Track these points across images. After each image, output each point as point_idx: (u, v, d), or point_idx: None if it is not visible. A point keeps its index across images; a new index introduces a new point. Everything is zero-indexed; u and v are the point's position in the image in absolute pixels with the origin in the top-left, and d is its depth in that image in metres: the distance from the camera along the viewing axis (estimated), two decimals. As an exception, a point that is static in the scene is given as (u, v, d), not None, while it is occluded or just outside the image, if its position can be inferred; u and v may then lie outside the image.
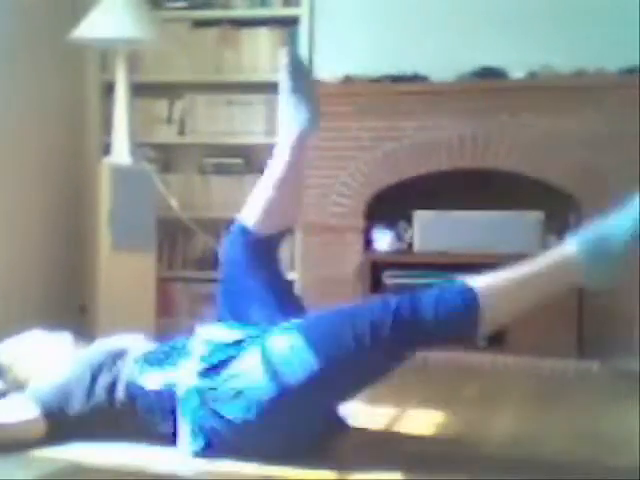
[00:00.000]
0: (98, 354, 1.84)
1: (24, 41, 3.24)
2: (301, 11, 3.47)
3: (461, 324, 1.63)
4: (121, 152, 3.24)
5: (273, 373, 1.61)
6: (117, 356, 1.82)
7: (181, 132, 3.62)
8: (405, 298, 1.68)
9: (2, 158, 3.07)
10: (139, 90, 3.44)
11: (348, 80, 3.29)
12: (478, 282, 1.65)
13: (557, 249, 1.66)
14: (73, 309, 3.51)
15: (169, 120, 3.63)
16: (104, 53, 3.60)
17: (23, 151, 3.23)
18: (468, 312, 1.62)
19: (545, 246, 3.10)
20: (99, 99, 3.63)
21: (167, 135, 3.62)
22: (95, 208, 3.20)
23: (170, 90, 3.61)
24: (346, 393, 1.74)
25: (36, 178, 3.33)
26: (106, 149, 3.37)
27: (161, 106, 3.63)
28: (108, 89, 3.48)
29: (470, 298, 1.62)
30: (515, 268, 1.69)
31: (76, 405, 1.75)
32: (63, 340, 1.98)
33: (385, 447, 1.92)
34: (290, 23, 3.49)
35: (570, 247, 1.63)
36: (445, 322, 1.63)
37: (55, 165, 3.45)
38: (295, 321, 1.71)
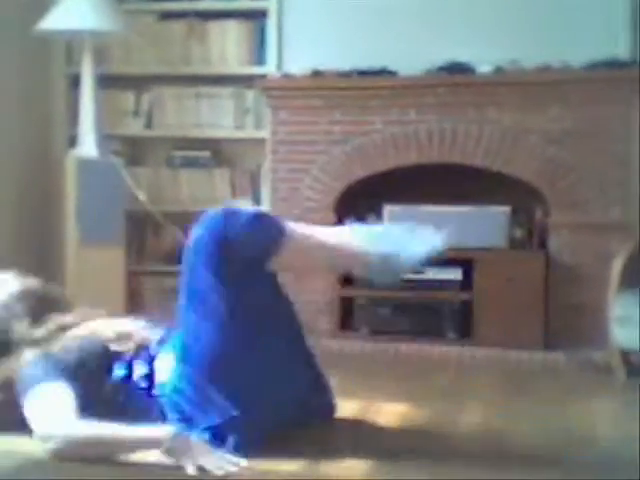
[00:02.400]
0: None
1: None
2: (269, 4, 3.45)
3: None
4: (88, 145, 3.21)
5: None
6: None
7: (148, 125, 3.59)
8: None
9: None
10: (106, 82, 3.40)
11: (317, 74, 3.29)
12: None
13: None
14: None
15: (136, 113, 3.59)
16: (70, 45, 3.55)
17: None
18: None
19: (512, 240, 3.16)
20: (65, 91, 3.58)
21: (134, 128, 3.59)
22: (62, 202, 3.16)
23: (137, 83, 3.58)
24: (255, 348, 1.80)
25: (2, 171, 3.27)
26: (73, 142, 3.33)
27: (128, 99, 3.59)
28: (74, 81, 3.43)
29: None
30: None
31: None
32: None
33: (353, 439, 1.94)
34: (258, 16, 3.48)
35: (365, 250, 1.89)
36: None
37: (21, 158, 3.39)
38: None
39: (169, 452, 1.67)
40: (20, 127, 3.40)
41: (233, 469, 1.65)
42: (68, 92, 3.56)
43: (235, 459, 1.68)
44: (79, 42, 3.30)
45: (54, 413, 1.74)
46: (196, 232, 1.85)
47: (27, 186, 3.43)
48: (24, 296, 2.01)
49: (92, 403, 1.78)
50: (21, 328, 1.95)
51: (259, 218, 1.83)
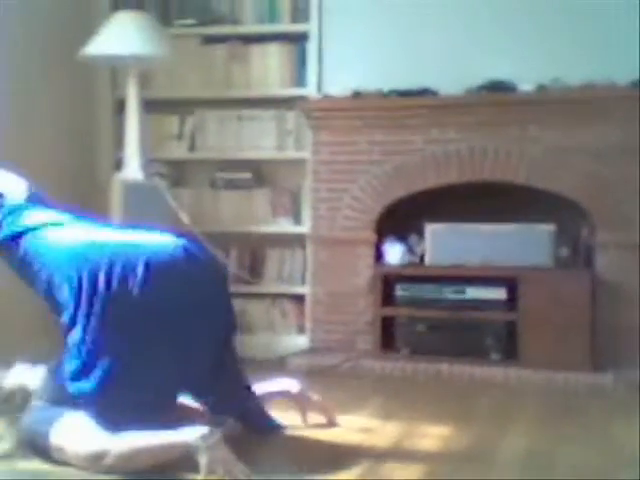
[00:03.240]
0: None
1: (38, 59, 3.27)
2: (310, 27, 3.49)
3: None
4: (133, 168, 3.26)
5: None
6: None
7: (191, 148, 3.65)
8: None
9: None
10: (150, 106, 3.47)
11: (357, 95, 3.31)
12: None
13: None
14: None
15: (180, 136, 3.65)
16: (115, 70, 3.63)
17: (36, 168, 3.25)
18: None
19: (557, 259, 3.10)
20: (111, 116, 3.66)
21: (178, 151, 3.65)
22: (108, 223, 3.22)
23: (181, 106, 3.64)
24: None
25: (49, 195, 3.34)
26: (118, 165, 3.39)
27: (172, 122, 3.66)
28: (119, 106, 3.51)
29: None
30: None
31: None
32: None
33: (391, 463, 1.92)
34: (299, 38, 3.52)
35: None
36: None
37: (68, 181, 3.47)
38: None
39: (199, 454, 1.68)
40: (67, 151, 3.48)
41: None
42: (113, 116, 3.64)
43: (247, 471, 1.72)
44: (124, 67, 3.37)
45: (94, 434, 1.77)
46: None
47: (73, 208, 3.50)
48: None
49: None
50: None
51: None
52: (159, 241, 2.01)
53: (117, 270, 1.88)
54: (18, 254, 2.03)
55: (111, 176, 3.32)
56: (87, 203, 3.58)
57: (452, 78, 3.24)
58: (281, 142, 3.56)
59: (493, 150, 3.12)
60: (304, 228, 3.47)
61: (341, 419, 2.30)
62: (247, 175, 3.59)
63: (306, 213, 3.47)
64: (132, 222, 3.18)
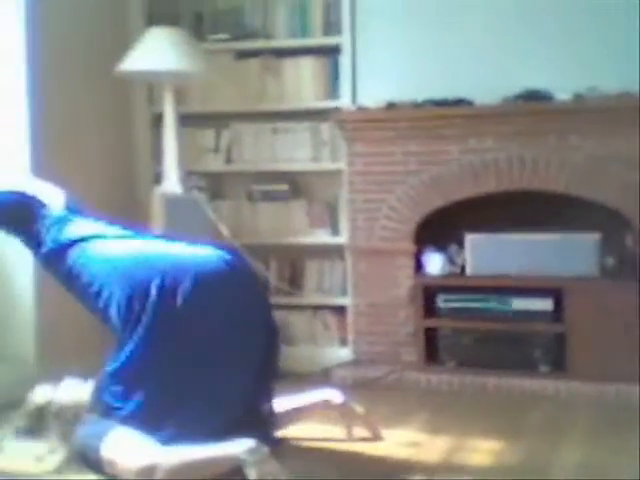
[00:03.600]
0: None
1: (79, 76, 3.32)
2: (342, 39, 3.51)
3: None
4: (172, 181, 3.30)
5: None
6: None
7: (228, 160, 3.68)
8: None
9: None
10: (186, 121, 3.51)
11: (391, 106, 3.32)
12: None
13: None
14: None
15: (216, 149, 3.69)
16: (151, 85, 3.68)
17: (76, 184, 3.30)
18: None
19: (603, 268, 3.06)
20: (148, 130, 3.70)
21: (215, 164, 3.68)
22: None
23: (216, 120, 3.68)
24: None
25: (89, 209, 3.39)
26: (157, 179, 3.43)
27: (208, 136, 3.69)
28: (157, 120, 3.55)
29: None
30: None
31: None
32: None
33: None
34: (332, 51, 3.54)
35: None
36: None
37: (108, 196, 3.51)
38: None
39: (248, 467, 1.70)
40: (106, 166, 3.53)
41: None
42: (151, 131, 3.68)
43: None
44: (160, 82, 3.41)
45: (144, 448, 1.79)
46: None
47: (114, 220, 3.55)
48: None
49: None
50: None
51: None
52: (203, 254, 2.02)
53: (164, 284, 1.89)
54: (65, 266, 2.04)
55: (150, 190, 3.36)
56: (127, 216, 3.63)
57: (487, 87, 3.23)
58: (316, 153, 3.58)
59: (531, 159, 3.11)
60: (342, 239, 3.48)
61: (387, 433, 2.30)
62: (283, 187, 3.62)
63: (343, 224, 3.48)
64: (172, 234, 3.22)
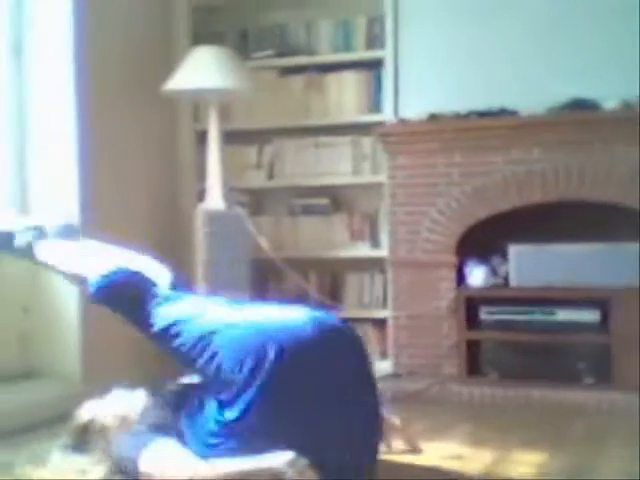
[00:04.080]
0: None
1: (127, 94, 3.41)
2: (385, 53, 3.52)
3: None
4: (215, 197, 3.34)
5: None
6: None
7: (270, 176, 3.71)
8: None
9: (103, 208, 3.22)
10: (229, 137, 3.56)
11: (434, 117, 3.31)
12: None
13: None
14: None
15: (258, 165, 3.73)
16: (197, 103, 3.74)
17: (123, 198, 3.38)
18: None
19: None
20: (193, 147, 3.76)
21: (257, 180, 3.72)
22: (192, 252, 3.30)
23: (259, 136, 3.72)
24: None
25: (136, 225, 3.47)
26: (201, 195, 3.48)
27: (251, 152, 3.74)
28: (201, 137, 3.61)
29: None
30: None
31: None
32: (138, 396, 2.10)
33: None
34: (374, 65, 3.55)
35: None
36: None
37: (153, 212, 3.58)
38: None
39: (288, 478, 1.68)
40: (151, 182, 3.60)
41: None
42: (195, 148, 3.74)
43: None
44: (205, 100, 3.48)
45: (184, 461, 1.79)
46: None
47: (158, 239, 3.61)
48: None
49: None
50: None
51: None
52: (300, 319, 1.96)
53: (272, 352, 1.85)
54: (176, 341, 2.01)
55: (195, 206, 3.41)
56: (172, 232, 3.70)
57: (531, 98, 3.20)
58: (357, 167, 3.58)
59: (577, 169, 3.05)
60: (383, 252, 3.46)
61: (429, 446, 2.26)
62: (325, 201, 3.63)
63: (384, 237, 3.47)
64: (216, 250, 3.26)
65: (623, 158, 2.99)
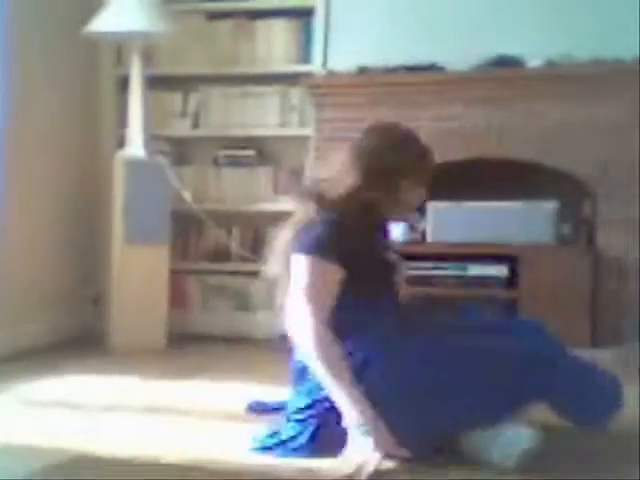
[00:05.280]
0: None
1: (39, 36, 3.26)
2: (316, 2, 3.43)
3: None
4: (136, 145, 3.25)
5: None
6: None
7: (195, 125, 3.62)
8: None
9: (19, 152, 3.10)
10: (153, 83, 3.44)
11: (363, 70, 3.25)
12: None
13: None
14: (87, 300, 3.54)
15: (183, 113, 3.62)
16: (119, 47, 3.61)
17: (40, 145, 3.26)
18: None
19: (559, 237, 3.05)
20: (114, 93, 3.64)
21: (181, 128, 3.62)
22: (110, 201, 3.22)
23: (184, 83, 3.61)
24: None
25: (52, 172, 3.35)
26: (121, 142, 3.38)
27: (175, 99, 3.62)
28: (123, 83, 3.49)
29: None
30: None
31: None
32: None
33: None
34: (305, 13, 3.46)
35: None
36: None
37: (71, 158, 3.47)
38: None
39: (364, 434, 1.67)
40: (69, 128, 3.47)
41: None
42: (117, 93, 3.62)
43: None
44: (128, 43, 3.35)
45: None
46: None
47: (75, 185, 3.51)
48: None
49: None
50: None
51: None
52: None
53: None
54: None
55: (114, 153, 3.31)
56: (90, 180, 3.60)
57: (460, 54, 3.17)
58: (285, 119, 3.51)
59: (498, 126, 3.05)
60: (307, 206, 3.42)
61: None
62: (250, 153, 3.56)
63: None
64: (135, 199, 3.18)
65: (544, 116, 3.00)
